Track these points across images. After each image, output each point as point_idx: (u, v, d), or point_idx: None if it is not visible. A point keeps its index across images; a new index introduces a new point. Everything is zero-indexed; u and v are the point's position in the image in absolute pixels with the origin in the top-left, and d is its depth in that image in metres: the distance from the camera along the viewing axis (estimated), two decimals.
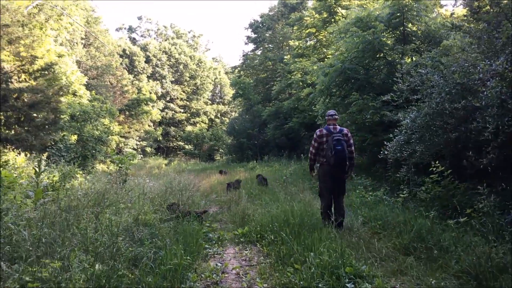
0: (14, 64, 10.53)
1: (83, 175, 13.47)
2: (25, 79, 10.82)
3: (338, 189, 5.89)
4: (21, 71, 10.65)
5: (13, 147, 10.62)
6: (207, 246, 5.25)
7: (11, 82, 10.32)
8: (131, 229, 4.81)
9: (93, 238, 4.41)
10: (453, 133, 6.48)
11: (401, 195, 7.20)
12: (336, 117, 6.02)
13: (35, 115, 11.00)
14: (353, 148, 6.00)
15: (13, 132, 10.81)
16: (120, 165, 10.81)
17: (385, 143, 7.50)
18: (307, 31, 22.27)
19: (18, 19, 10.34)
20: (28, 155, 11.48)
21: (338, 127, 5.97)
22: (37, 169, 7.34)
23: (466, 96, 6.46)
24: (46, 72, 11.21)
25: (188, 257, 4.32)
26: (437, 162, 6.06)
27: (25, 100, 10.54)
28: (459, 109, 6.47)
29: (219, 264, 4.62)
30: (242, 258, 4.91)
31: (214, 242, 5.51)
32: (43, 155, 11.76)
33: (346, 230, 5.59)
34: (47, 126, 11.17)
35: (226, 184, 10.63)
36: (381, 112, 10.01)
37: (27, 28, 10.55)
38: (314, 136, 6.03)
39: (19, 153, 11.18)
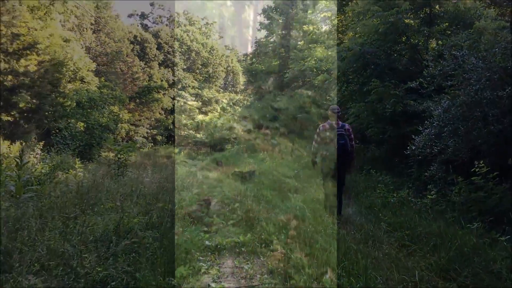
0: None
1: (86, 165, 12.80)
2: (4, 59, 9.93)
3: (339, 181, 6.23)
4: None
5: None
6: (201, 258, 4.41)
7: None
8: (108, 239, 3.99)
9: (59, 251, 3.63)
10: (495, 126, 5.51)
11: (428, 196, 6.30)
12: (339, 113, 6.41)
13: (18, 99, 10.07)
14: (353, 142, 6.38)
15: None
16: (118, 155, 10.00)
17: (413, 137, 6.54)
18: (322, 15, 21.16)
19: None
20: (24, 143, 10.76)
21: (340, 122, 6.30)
22: (19, 160, 6.57)
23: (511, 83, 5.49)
24: (28, 52, 10.26)
25: (172, 278, 3.49)
26: (481, 162, 5.07)
27: (5, 83, 9.64)
28: (503, 97, 5.49)
29: (212, 284, 3.78)
30: (241, 275, 4.06)
31: (210, 252, 4.66)
32: (39, 144, 11.03)
33: (370, 241, 4.67)
34: (29, 114, 10.26)
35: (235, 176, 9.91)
36: (404, 101, 9.00)
37: (9, 3, 9.62)
38: (317, 130, 6.38)
39: (14, 142, 10.50)
